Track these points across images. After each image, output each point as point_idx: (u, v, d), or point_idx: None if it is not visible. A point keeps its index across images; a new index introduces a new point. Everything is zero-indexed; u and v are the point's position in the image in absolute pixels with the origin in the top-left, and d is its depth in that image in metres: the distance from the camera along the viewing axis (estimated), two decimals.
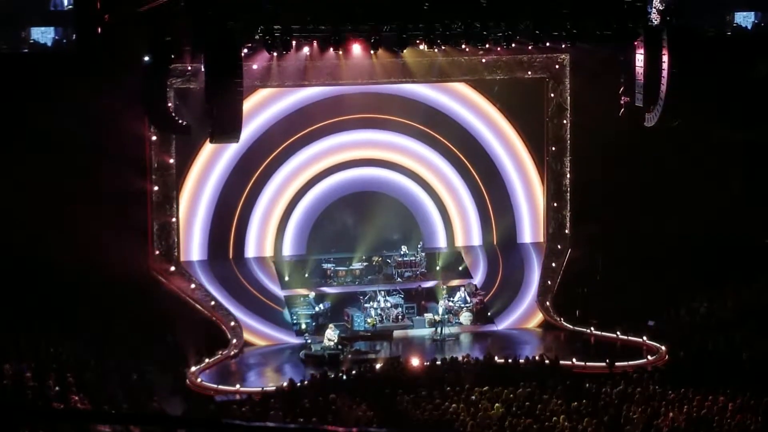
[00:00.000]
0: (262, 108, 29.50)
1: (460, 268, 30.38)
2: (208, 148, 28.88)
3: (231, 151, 29.26)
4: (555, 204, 30.95)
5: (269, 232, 30.31)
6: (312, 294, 28.54)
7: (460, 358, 24.39)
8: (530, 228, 31.50)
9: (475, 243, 31.37)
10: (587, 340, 27.07)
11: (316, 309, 28.03)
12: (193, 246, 29.61)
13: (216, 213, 29.67)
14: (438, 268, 30.23)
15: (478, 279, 29.93)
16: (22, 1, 30.47)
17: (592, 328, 27.36)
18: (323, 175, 30.55)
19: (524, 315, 28.88)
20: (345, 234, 30.47)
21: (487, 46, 25.99)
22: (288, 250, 30.43)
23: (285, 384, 23.21)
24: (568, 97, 30.32)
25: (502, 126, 31.08)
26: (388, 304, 27.90)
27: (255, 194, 30.00)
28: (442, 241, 31.32)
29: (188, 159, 29.07)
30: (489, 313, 28.71)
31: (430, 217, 31.24)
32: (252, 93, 28.23)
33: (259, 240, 30.25)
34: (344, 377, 23.65)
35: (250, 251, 30.20)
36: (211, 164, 29.42)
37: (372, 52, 26.02)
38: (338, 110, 30.02)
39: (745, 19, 32.88)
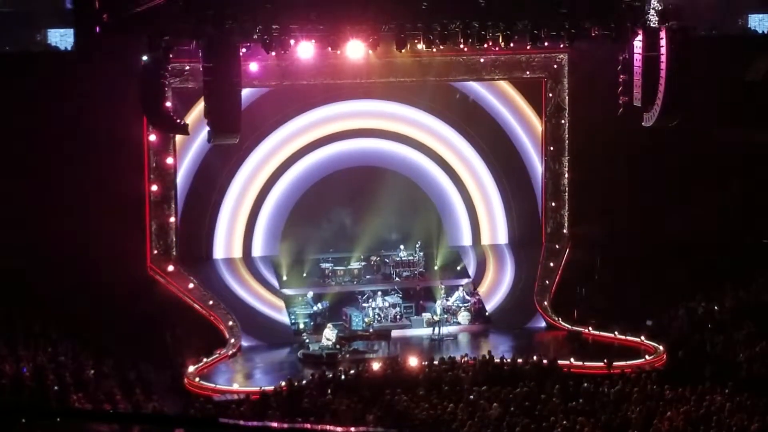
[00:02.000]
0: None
1: (458, 268, 30.33)
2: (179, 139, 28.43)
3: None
4: (553, 203, 30.91)
5: (239, 225, 29.84)
6: (310, 293, 28.50)
7: (458, 358, 24.40)
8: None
9: (501, 241, 31.23)
10: (585, 339, 27.06)
11: (315, 308, 28.00)
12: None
13: (186, 208, 29.13)
14: (436, 267, 30.18)
15: (507, 277, 29.77)
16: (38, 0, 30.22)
17: (590, 328, 27.35)
18: (320, 143, 29.97)
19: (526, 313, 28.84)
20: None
21: (485, 45, 25.98)
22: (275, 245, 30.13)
23: (283, 384, 23.20)
24: (567, 97, 30.32)
25: (527, 118, 30.94)
26: (386, 304, 27.90)
27: (226, 186, 29.52)
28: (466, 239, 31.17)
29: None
30: (487, 313, 28.71)
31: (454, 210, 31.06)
32: (250, 92, 28.08)
33: (229, 235, 29.75)
34: (342, 377, 23.64)
35: (218, 251, 29.76)
36: (182, 154, 28.96)
37: (370, 51, 25.97)
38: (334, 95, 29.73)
39: (761, 22, 32.75)
